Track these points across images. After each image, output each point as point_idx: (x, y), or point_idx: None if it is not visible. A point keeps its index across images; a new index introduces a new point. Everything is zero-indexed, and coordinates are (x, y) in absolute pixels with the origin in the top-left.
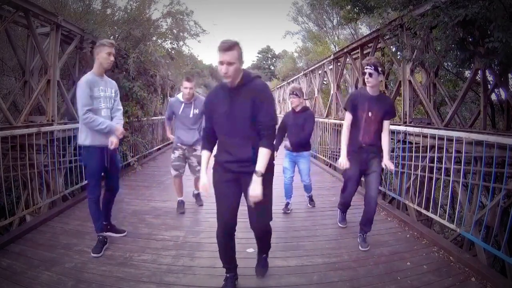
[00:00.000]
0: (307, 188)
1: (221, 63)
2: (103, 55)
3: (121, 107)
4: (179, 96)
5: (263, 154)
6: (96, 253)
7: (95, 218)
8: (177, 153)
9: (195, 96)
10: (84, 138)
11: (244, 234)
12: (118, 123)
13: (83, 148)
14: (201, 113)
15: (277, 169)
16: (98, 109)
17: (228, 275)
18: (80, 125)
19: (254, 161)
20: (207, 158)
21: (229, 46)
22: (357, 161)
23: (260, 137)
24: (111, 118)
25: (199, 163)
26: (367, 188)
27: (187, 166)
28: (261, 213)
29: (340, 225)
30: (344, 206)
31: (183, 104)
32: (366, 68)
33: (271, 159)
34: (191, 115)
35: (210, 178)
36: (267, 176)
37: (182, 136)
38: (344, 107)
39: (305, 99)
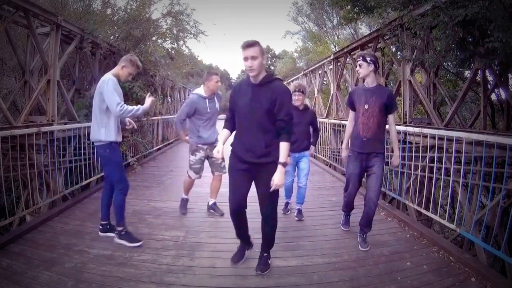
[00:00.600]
0: (301, 195)
1: (246, 58)
2: (126, 73)
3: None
4: (199, 91)
5: (284, 147)
6: (137, 241)
7: (122, 212)
8: (199, 155)
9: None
10: (106, 134)
11: None
12: None
13: (105, 144)
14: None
15: None
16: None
17: (241, 244)
18: (100, 121)
19: (265, 154)
20: (226, 135)
21: (251, 43)
22: (358, 158)
23: (280, 132)
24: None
25: (223, 159)
26: (367, 189)
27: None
28: (270, 197)
29: (342, 228)
30: (348, 207)
31: (207, 100)
32: (357, 60)
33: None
34: (217, 109)
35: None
36: (276, 166)
37: (205, 135)
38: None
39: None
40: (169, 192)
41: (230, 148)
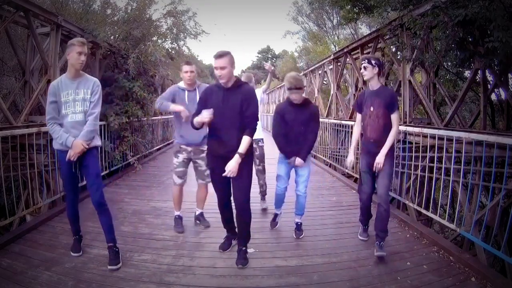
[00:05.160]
0: (300, 205)
1: (216, 68)
2: (74, 57)
3: (95, 111)
4: (180, 84)
5: (245, 140)
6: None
7: (69, 221)
8: (181, 157)
9: (197, 82)
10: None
11: None
12: (84, 132)
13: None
14: None
15: (272, 169)
16: (65, 115)
17: (228, 234)
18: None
19: (237, 147)
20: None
21: (220, 55)
22: (368, 157)
23: (245, 128)
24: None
25: (207, 167)
26: (377, 187)
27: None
28: (241, 188)
29: (360, 237)
30: (363, 212)
31: (186, 92)
32: (362, 63)
33: (251, 145)
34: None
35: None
36: (247, 159)
37: (187, 134)
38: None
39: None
40: (169, 192)
41: (206, 149)
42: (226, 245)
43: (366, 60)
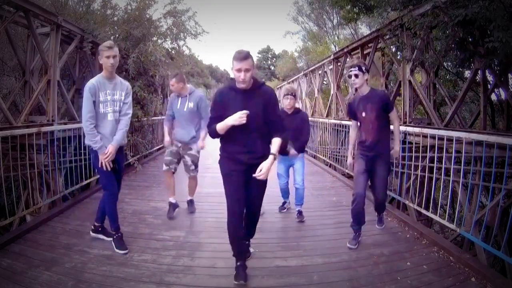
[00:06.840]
0: (299, 196)
1: (239, 70)
2: (105, 61)
3: (129, 112)
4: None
5: (277, 141)
6: (124, 249)
7: (112, 217)
8: (170, 148)
9: (189, 89)
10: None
11: None
12: (118, 132)
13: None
14: (197, 108)
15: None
16: (105, 113)
17: (239, 263)
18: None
19: (263, 155)
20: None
21: (246, 56)
22: (363, 159)
23: (274, 132)
24: (119, 121)
25: (193, 163)
26: (373, 190)
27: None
28: (260, 194)
29: (349, 245)
30: (356, 217)
31: (180, 98)
32: (351, 71)
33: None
34: (185, 109)
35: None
36: None
37: (177, 134)
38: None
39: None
40: None
41: (220, 155)
42: (245, 274)
43: (357, 68)
